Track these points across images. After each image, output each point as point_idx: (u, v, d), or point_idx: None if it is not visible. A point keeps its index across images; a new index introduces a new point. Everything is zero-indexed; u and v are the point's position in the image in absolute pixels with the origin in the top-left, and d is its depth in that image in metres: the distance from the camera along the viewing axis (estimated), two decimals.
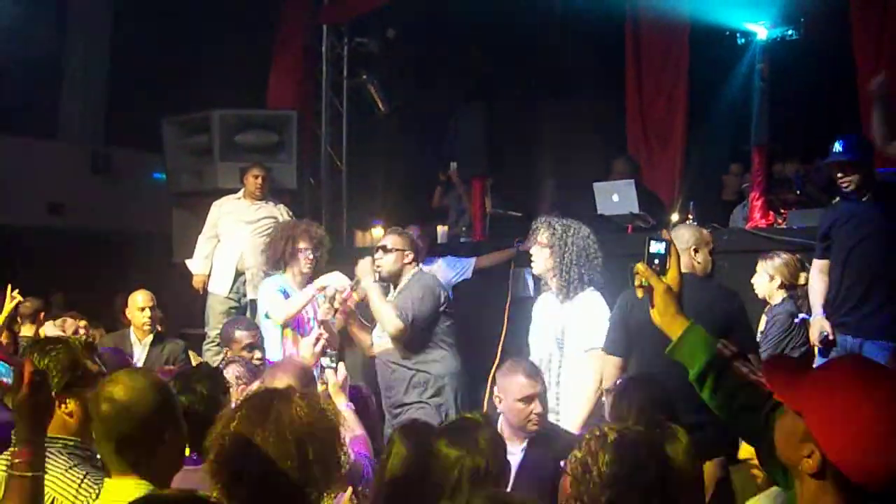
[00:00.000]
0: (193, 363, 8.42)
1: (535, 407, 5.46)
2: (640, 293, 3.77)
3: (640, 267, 3.74)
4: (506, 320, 8.76)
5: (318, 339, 6.16)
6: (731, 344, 3.58)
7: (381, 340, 7.65)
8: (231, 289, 10.58)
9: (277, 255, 8.39)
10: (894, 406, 2.59)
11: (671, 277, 3.72)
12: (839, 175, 7.37)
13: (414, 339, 7.44)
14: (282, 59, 13.68)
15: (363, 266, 7.50)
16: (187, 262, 10.91)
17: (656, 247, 3.81)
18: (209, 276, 10.76)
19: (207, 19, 13.62)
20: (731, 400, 3.44)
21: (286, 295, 8.15)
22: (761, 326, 7.92)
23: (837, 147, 7.38)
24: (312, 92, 13.54)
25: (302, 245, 8.28)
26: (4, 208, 13.90)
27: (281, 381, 4.99)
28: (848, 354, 6.90)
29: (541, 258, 6.87)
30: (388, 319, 7.34)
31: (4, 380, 3.93)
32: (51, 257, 13.37)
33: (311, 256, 8.22)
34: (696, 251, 6.36)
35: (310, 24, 13.60)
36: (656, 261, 3.78)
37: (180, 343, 8.99)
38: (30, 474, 3.39)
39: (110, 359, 4.88)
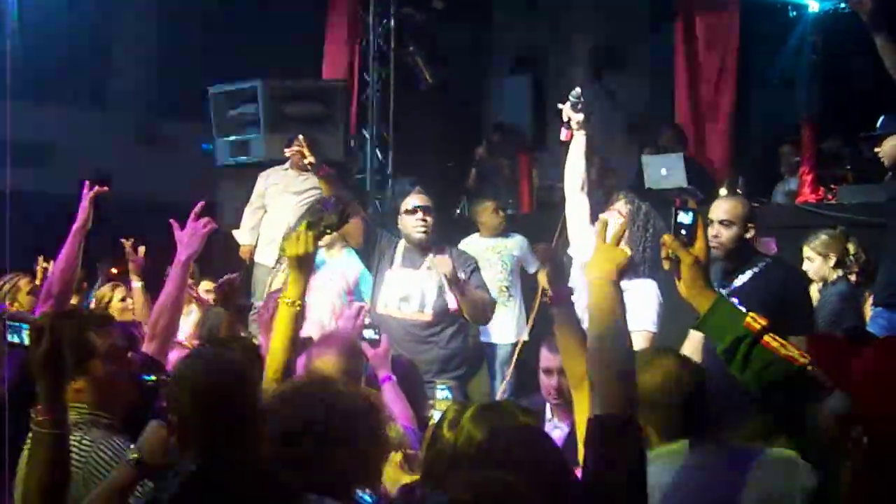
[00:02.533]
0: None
1: (553, 381, 5.51)
2: (666, 265, 3.75)
3: (666, 238, 3.72)
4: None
5: (360, 311, 6.14)
6: (760, 317, 3.56)
7: (395, 305, 7.54)
8: (278, 259, 10.62)
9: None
10: None
11: (699, 248, 3.68)
12: (875, 150, 7.33)
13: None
14: (334, 30, 13.70)
15: (444, 263, 7.39)
16: (234, 232, 10.95)
17: (683, 217, 3.78)
18: (255, 246, 10.82)
19: None
20: (761, 375, 3.43)
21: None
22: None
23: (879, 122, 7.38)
24: (360, 63, 13.55)
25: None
26: (52, 178, 14.00)
27: (326, 356, 5.03)
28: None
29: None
30: (490, 305, 7.46)
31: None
32: (97, 227, 13.46)
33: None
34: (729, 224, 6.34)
35: None
36: (683, 231, 3.75)
37: (220, 312, 8.92)
38: (56, 431, 3.44)
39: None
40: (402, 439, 4.62)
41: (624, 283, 6.50)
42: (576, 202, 7.04)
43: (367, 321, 6.07)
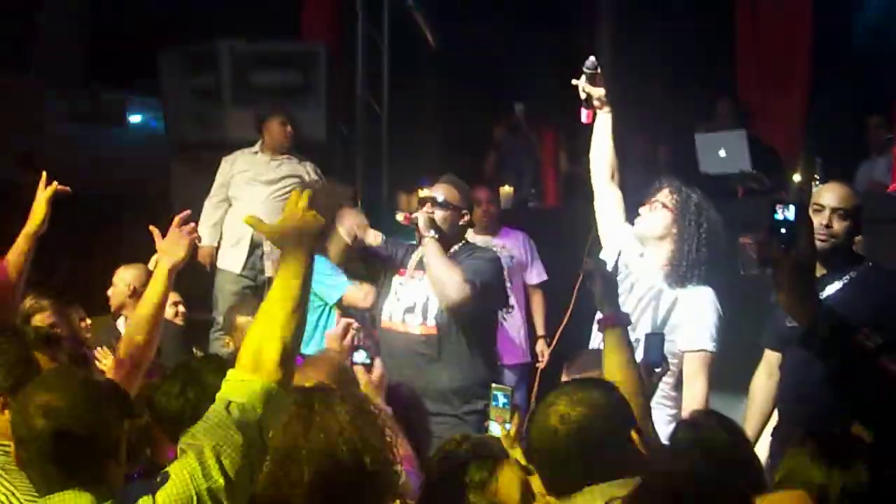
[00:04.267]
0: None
1: None
2: (760, 271, 3.76)
3: (765, 239, 3.73)
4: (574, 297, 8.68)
5: (346, 330, 6.12)
6: (874, 335, 3.57)
7: (400, 317, 7.49)
8: (245, 265, 10.64)
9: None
10: None
11: (802, 251, 3.70)
12: None
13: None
14: None
15: (423, 218, 7.35)
16: (200, 227, 10.93)
17: (785, 212, 3.78)
18: (218, 248, 10.82)
19: None
20: (865, 398, 3.46)
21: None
22: None
23: None
24: (347, 24, 13.54)
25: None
26: None
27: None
28: None
29: (659, 221, 6.75)
30: (450, 280, 7.13)
31: None
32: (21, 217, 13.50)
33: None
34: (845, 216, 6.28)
35: None
36: (783, 230, 3.75)
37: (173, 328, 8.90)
38: None
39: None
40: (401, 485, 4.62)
41: (675, 292, 6.61)
42: (605, 195, 7.07)
43: (356, 341, 6.08)
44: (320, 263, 7.86)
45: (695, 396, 6.54)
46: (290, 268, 3.77)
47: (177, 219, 5.46)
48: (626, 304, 6.74)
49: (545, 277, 10.14)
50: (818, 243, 6.09)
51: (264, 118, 10.86)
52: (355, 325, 6.40)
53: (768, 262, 3.79)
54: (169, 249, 5.35)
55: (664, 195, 6.78)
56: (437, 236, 7.19)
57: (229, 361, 4.94)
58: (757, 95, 12.23)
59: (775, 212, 3.84)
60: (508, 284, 9.59)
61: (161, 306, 5.24)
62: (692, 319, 6.63)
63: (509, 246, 10.02)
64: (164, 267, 5.27)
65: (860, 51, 12.28)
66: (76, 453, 3.59)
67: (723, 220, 7.27)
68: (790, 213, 3.80)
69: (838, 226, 6.11)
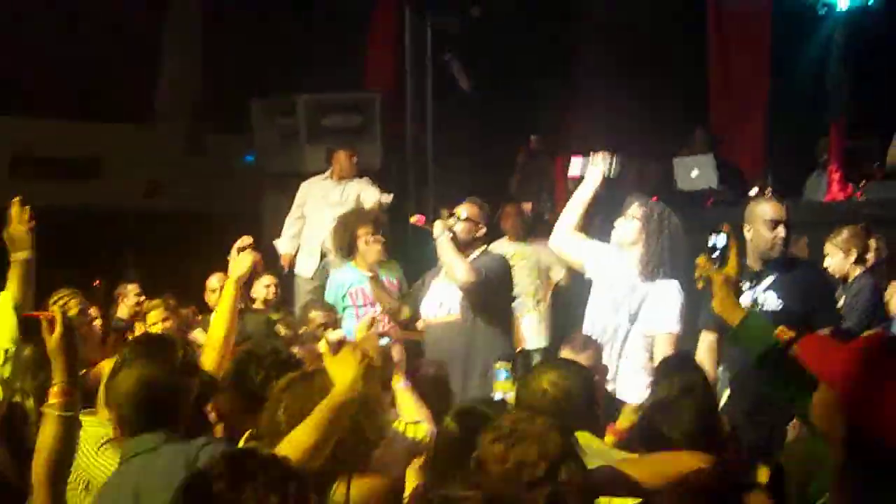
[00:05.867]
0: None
1: None
2: (700, 284, 3.96)
3: (700, 260, 3.94)
4: None
5: (373, 321, 6.27)
6: (788, 329, 3.73)
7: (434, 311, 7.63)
8: (316, 271, 10.80)
9: (341, 245, 8.67)
10: None
11: (730, 268, 3.90)
12: None
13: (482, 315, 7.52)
14: (376, 41, 13.93)
15: (438, 223, 7.49)
16: (275, 242, 11.14)
17: (715, 239, 3.98)
18: (296, 256, 11.01)
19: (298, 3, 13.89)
20: (789, 383, 3.60)
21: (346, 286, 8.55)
22: (840, 303, 7.96)
23: None
24: (400, 74, 13.71)
25: (360, 231, 8.44)
26: (103, 192, 14.32)
27: None
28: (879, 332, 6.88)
29: (629, 229, 6.82)
30: (459, 266, 7.26)
31: None
32: (149, 239, 13.75)
33: (371, 240, 8.31)
34: (748, 228, 6.47)
35: (398, 5, 13.79)
36: (716, 253, 3.95)
37: (262, 317, 9.01)
38: (66, 414, 3.67)
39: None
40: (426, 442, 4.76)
41: (646, 286, 6.72)
42: (561, 240, 7.24)
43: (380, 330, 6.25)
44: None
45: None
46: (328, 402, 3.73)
47: (238, 242, 5.54)
48: (607, 298, 6.92)
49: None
50: (773, 250, 6.33)
51: (331, 153, 11.04)
52: (378, 315, 6.61)
53: (704, 279, 3.99)
54: (235, 265, 5.43)
55: (634, 209, 6.89)
56: (450, 236, 7.34)
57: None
58: (725, 125, 12.29)
59: (710, 238, 4.02)
60: (533, 280, 9.84)
61: (232, 309, 5.26)
62: (660, 307, 6.70)
63: (536, 251, 10.08)
64: (232, 278, 5.38)
65: (808, 78, 12.27)
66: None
67: (694, 223, 7.41)
68: (721, 240, 3.97)
69: (783, 233, 6.34)
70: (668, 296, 6.73)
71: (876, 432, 2.72)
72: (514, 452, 3.27)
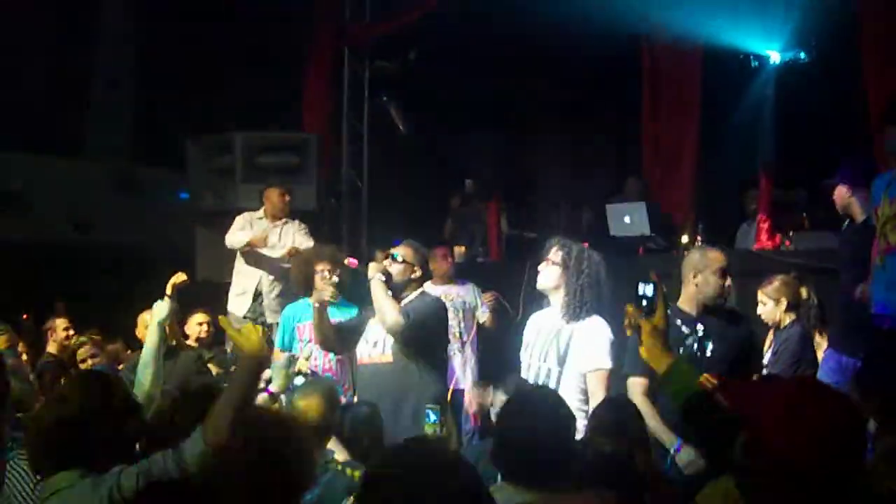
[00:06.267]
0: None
1: None
2: (629, 332, 4.02)
3: (629, 309, 4.00)
4: None
5: (291, 361, 6.39)
6: (712, 378, 3.81)
7: (367, 352, 7.62)
8: (249, 310, 10.76)
9: (299, 279, 8.70)
10: (832, 418, 2.87)
11: (658, 317, 3.97)
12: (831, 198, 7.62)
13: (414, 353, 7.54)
14: (313, 83, 13.96)
15: (373, 264, 7.52)
16: (230, 238, 10.98)
17: (644, 288, 4.04)
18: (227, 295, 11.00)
19: (234, 41, 13.86)
20: (712, 430, 3.69)
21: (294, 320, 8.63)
22: (766, 347, 8.09)
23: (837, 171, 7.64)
24: (335, 114, 13.77)
25: (319, 267, 8.48)
26: (31, 226, 14.19)
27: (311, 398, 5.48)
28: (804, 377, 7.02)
29: (551, 275, 6.86)
30: (388, 310, 7.22)
31: None
32: (79, 274, 13.64)
33: (327, 276, 8.28)
34: (695, 275, 6.57)
35: (336, 48, 13.85)
36: (644, 302, 4.02)
37: (194, 354, 9.00)
38: None
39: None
40: None
41: (571, 326, 6.76)
42: None
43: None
44: None
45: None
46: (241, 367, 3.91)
47: (173, 278, 5.68)
48: (536, 344, 6.97)
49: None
50: (717, 296, 6.45)
51: (265, 192, 11.02)
52: (297, 356, 6.71)
53: (633, 327, 4.04)
54: (157, 310, 5.72)
55: (553, 253, 6.91)
56: (383, 279, 7.33)
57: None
58: (657, 174, 12.41)
59: (638, 288, 4.07)
60: (461, 323, 9.87)
61: (156, 348, 5.54)
62: (587, 345, 6.69)
63: (462, 293, 10.21)
64: (154, 321, 5.46)
65: (739, 129, 12.42)
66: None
67: (626, 270, 7.48)
68: (649, 289, 4.03)
69: (729, 280, 6.48)
70: (594, 333, 6.74)
71: (793, 469, 2.84)
72: None
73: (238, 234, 10.88)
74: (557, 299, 6.89)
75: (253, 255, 10.83)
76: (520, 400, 4.58)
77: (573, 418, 4.45)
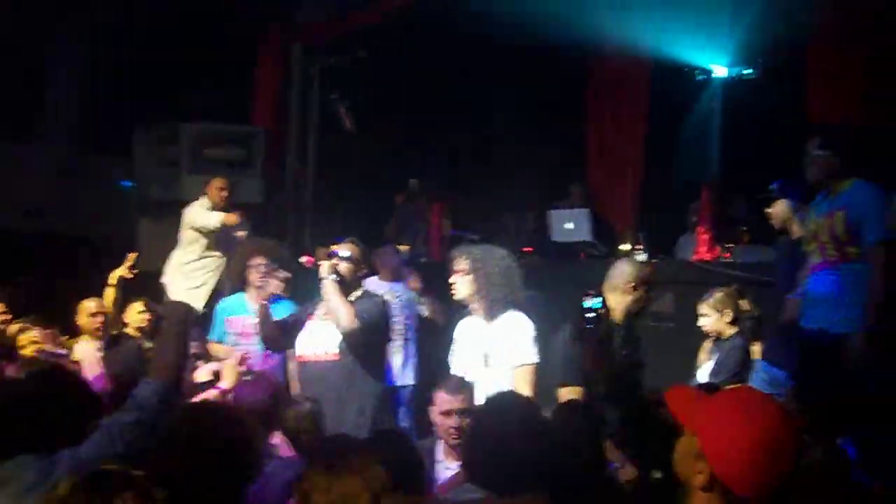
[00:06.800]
0: None
1: (453, 421, 5.72)
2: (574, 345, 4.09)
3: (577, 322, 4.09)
4: None
5: (242, 360, 6.44)
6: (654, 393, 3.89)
7: (312, 349, 7.63)
8: (206, 304, 10.67)
9: (235, 273, 8.71)
10: (772, 429, 2.91)
11: (603, 330, 4.05)
12: (767, 211, 7.73)
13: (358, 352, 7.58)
14: (264, 76, 13.93)
15: (325, 264, 7.53)
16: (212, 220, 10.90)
17: (591, 302, 4.09)
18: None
19: (187, 32, 13.79)
20: (655, 436, 3.77)
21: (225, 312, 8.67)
22: (704, 357, 8.20)
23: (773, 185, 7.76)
24: (285, 109, 13.75)
25: (255, 261, 8.48)
26: None
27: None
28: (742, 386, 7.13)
29: (463, 285, 6.91)
30: (343, 312, 7.27)
31: None
32: (21, 261, 13.51)
33: (262, 271, 8.29)
34: (634, 288, 6.64)
35: (288, 43, 13.85)
36: (589, 315, 4.07)
37: (135, 344, 8.91)
38: None
39: None
40: None
41: (491, 325, 6.82)
42: None
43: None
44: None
45: None
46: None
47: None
48: (463, 348, 7.03)
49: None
50: (642, 308, 6.54)
51: (207, 184, 10.98)
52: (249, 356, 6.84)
53: (579, 337, 4.12)
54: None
55: (457, 263, 6.98)
56: (336, 279, 7.38)
57: None
58: (601, 181, 12.51)
59: (584, 301, 4.12)
60: (405, 318, 9.91)
61: None
62: (508, 341, 6.73)
63: (406, 290, 10.25)
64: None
65: (685, 141, 12.53)
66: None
67: (567, 275, 7.53)
68: (596, 302, 4.08)
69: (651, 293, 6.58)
70: (515, 329, 6.78)
71: (732, 479, 2.88)
72: (338, 484, 3.36)
73: (212, 215, 10.86)
74: (475, 304, 6.97)
75: (222, 243, 10.80)
76: (493, 407, 4.58)
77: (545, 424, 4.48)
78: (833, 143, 6.80)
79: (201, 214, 10.81)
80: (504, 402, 4.58)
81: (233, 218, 10.62)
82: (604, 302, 4.04)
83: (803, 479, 3.98)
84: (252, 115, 13.85)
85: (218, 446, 3.81)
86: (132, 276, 9.16)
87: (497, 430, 4.27)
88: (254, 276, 8.35)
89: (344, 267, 7.49)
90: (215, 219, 10.67)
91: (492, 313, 6.86)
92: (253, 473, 4.07)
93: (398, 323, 9.72)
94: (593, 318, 4.03)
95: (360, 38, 13.32)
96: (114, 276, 9.13)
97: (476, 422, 4.54)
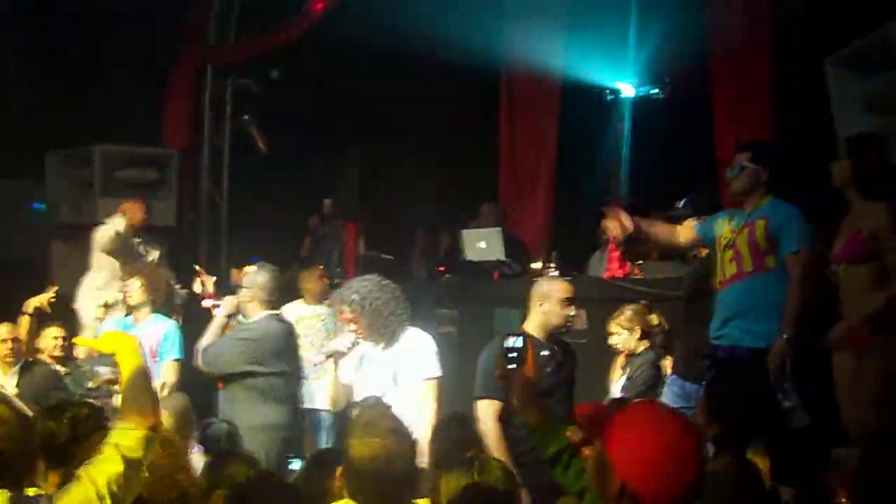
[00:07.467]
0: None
1: None
2: (500, 382, 4.14)
3: (498, 360, 4.12)
4: None
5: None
6: (577, 431, 3.95)
7: None
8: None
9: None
10: (676, 439, 3.00)
11: (528, 370, 4.10)
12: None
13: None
14: (175, 98, 13.85)
15: (230, 300, 7.68)
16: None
17: (514, 341, 4.11)
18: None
19: (98, 54, 13.68)
20: (578, 479, 3.85)
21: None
22: (617, 372, 8.30)
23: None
24: (197, 132, 13.69)
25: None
26: None
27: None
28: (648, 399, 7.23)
29: (358, 332, 6.99)
30: (201, 352, 7.68)
31: None
32: None
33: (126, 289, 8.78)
34: (541, 304, 6.73)
35: (200, 65, 13.79)
36: (513, 354, 4.09)
37: (50, 370, 8.85)
38: None
39: None
40: None
41: (389, 349, 6.88)
42: None
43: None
44: None
45: (426, 417, 6.71)
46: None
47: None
48: (368, 375, 7.07)
49: None
50: (563, 326, 6.63)
51: (124, 206, 10.87)
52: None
53: (504, 378, 4.15)
54: None
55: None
56: (225, 315, 7.66)
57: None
58: (512, 200, 12.57)
59: (506, 341, 4.14)
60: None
61: None
62: (412, 358, 6.89)
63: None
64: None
65: (596, 160, 12.61)
66: None
67: (481, 294, 7.53)
68: (518, 342, 4.09)
69: (573, 311, 6.67)
70: (416, 345, 6.94)
71: (640, 489, 2.95)
72: None
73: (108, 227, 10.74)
74: (376, 337, 6.99)
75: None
76: (364, 421, 4.57)
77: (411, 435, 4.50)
78: (764, 158, 6.94)
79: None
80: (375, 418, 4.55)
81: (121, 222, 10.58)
82: (525, 342, 4.06)
83: (712, 490, 4.09)
84: (165, 137, 13.75)
85: None
86: (48, 308, 9.06)
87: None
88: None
89: (246, 293, 7.64)
90: (110, 229, 10.59)
91: (390, 340, 6.91)
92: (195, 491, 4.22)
93: (324, 345, 9.73)
94: (516, 358, 4.03)
95: (272, 59, 13.32)
96: (29, 305, 8.99)
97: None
